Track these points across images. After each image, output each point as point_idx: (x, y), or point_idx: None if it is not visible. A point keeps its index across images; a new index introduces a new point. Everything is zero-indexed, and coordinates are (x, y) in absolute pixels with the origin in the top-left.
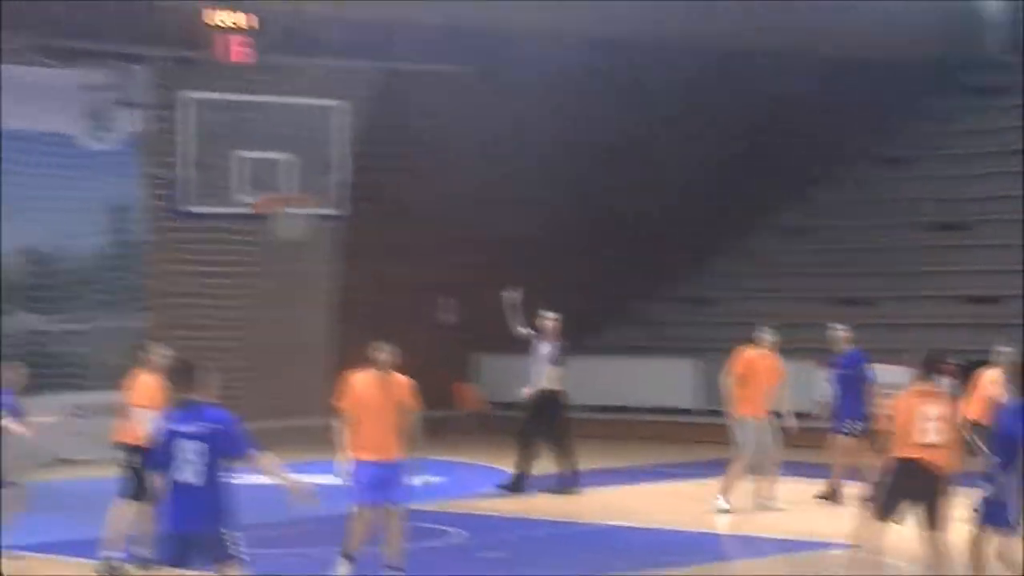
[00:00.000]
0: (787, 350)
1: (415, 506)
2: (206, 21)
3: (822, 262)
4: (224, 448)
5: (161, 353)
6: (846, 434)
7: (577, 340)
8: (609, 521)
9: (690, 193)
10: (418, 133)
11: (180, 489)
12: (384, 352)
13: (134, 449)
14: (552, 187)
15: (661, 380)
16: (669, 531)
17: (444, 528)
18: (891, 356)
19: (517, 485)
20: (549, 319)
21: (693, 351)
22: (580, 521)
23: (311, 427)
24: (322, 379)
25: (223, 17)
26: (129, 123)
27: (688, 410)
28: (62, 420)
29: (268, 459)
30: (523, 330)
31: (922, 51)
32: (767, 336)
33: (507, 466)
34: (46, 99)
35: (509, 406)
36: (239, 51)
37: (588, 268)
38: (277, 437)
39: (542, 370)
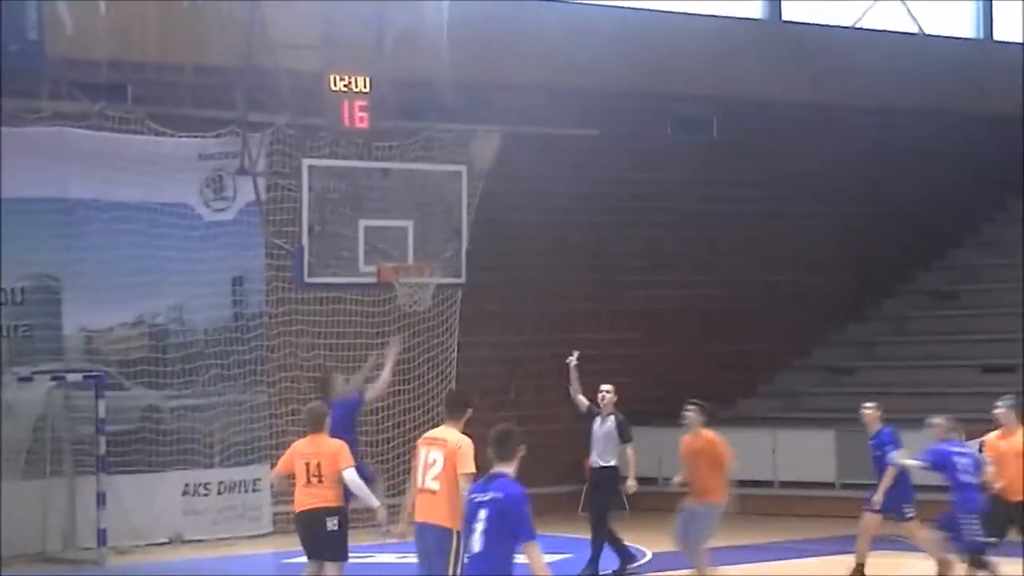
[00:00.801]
0: (805, 419)
1: None
2: (327, 87)
3: (964, 328)
4: (506, 523)
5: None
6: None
7: (714, 412)
8: None
9: (827, 258)
10: (539, 197)
11: (469, 556)
12: None
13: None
14: (682, 256)
15: (801, 452)
16: None
17: None
18: None
19: (624, 560)
20: (606, 392)
21: (832, 422)
22: None
23: None
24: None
25: (344, 82)
26: (249, 192)
27: (831, 484)
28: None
29: (534, 551)
30: (583, 400)
31: None
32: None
33: (640, 543)
34: (165, 169)
35: (640, 480)
36: (360, 116)
37: (724, 338)
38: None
39: (602, 446)
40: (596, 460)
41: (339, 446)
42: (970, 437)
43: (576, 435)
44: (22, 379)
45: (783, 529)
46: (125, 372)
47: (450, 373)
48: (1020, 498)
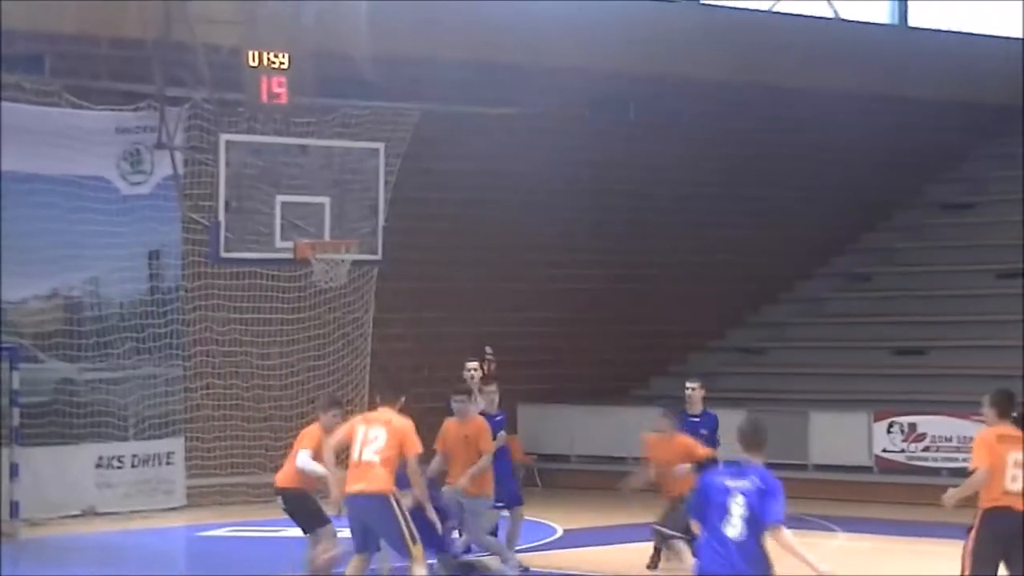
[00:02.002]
0: (840, 401)
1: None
2: (245, 62)
3: (876, 311)
4: (764, 508)
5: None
6: None
7: (625, 391)
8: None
9: (743, 240)
10: (456, 176)
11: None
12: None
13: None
14: (598, 235)
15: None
16: None
17: None
18: (943, 407)
19: None
20: (472, 370)
21: (744, 402)
22: None
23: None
24: None
25: (262, 58)
26: (166, 166)
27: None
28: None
29: (786, 534)
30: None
31: (987, 94)
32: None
33: (550, 519)
34: (83, 142)
35: (551, 457)
36: (278, 93)
37: (638, 318)
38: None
39: None
40: None
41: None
42: None
43: None
44: None
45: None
46: (40, 344)
47: (365, 349)
48: None
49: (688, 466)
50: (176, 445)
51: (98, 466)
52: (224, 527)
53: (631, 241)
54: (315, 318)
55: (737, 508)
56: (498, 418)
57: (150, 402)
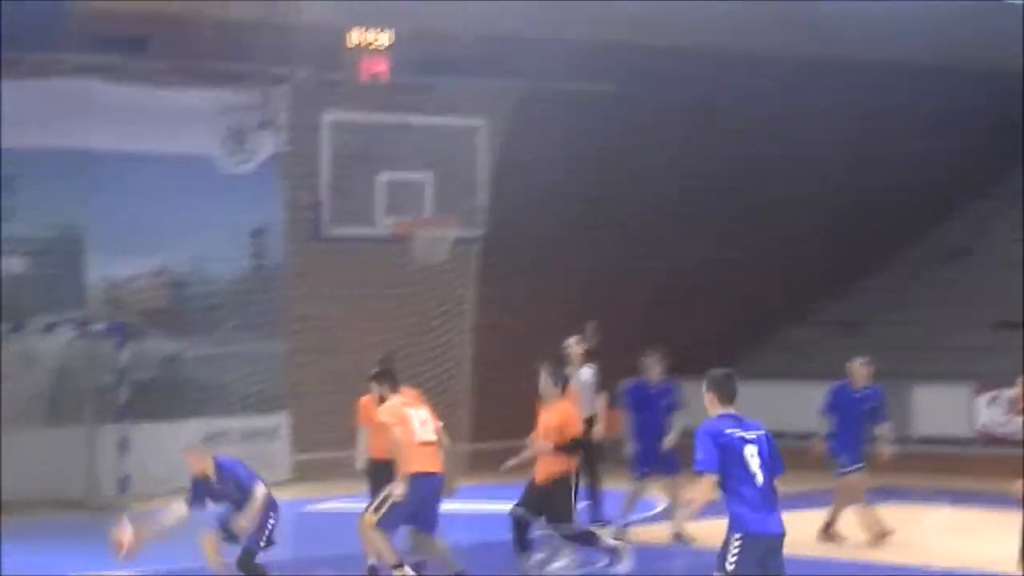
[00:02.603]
0: (941, 374)
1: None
2: (348, 41)
3: (976, 284)
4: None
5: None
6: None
7: (721, 365)
8: None
9: (840, 213)
10: (560, 153)
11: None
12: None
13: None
14: (698, 213)
15: (805, 406)
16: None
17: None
18: None
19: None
20: (572, 346)
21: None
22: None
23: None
24: (462, 404)
25: (365, 37)
26: (270, 145)
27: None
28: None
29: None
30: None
31: None
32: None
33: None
34: (187, 122)
35: None
36: (380, 71)
37: (733, 292)
38: None
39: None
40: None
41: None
42: None
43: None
44: (45, 328)
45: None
46: (146, 321)
47: (465, 326)
48: None
49: (550, 445)
50: (280, 420)
51: (204, 441)
52: (329, 501)
53: (728, 212)
54: (416, 295)
55: (755, 459)
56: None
57: (254, 378)
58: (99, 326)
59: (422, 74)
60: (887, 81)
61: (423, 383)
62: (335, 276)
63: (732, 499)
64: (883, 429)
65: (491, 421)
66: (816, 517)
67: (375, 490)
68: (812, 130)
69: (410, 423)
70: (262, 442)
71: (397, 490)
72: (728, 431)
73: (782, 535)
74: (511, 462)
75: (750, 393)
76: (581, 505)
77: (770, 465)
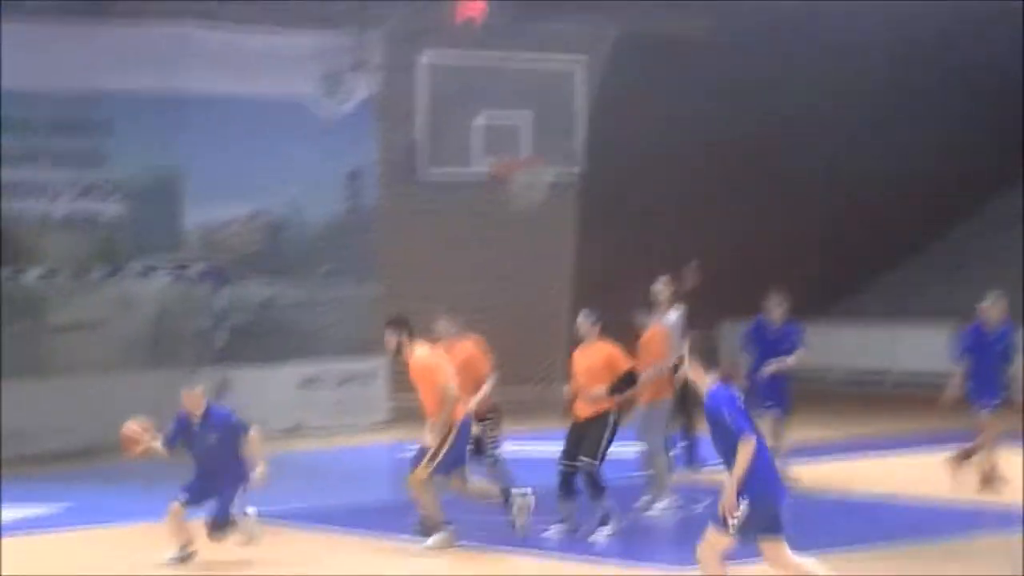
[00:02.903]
0: None
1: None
2: None
3: None
4: None
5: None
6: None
7: (832, 304)
8: (869, 491)
9: (949, 151)
10: (657, 93)
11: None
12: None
13: None
14: (800, 150)
15: (907, 347)
16: (926, 504)
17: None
18: None
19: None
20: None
21: (952, 315)
22: (827, 492)
23: (545, 396)
24: (558, 347)
25: None
26: (364, 87)
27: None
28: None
29: None
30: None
31: None
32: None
33: None
34: (282, 65)
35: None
36: (476, 11)
37: (843, 231)
38: (513, 408)
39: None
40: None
41: None
42: None
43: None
44: (142, 272)
45: (899, 421)
46: (242, 265)
47: (562, 268)
48: None
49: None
50: (378, 364)
51: (301, 385)
52: None
53: (827, 149)
54: (512, 237)
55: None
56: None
57: (350, 322)
58: (195, 270)
59: (518, 13)
60: None
61: (519, 325)
62: (431, 219)
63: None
64: (1015, 369)
65: None
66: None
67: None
68: (927, 62)
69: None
70: (358, 386)
71: (446, 437)
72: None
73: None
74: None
75: (853, 334)
76: (677, 448)
77: None
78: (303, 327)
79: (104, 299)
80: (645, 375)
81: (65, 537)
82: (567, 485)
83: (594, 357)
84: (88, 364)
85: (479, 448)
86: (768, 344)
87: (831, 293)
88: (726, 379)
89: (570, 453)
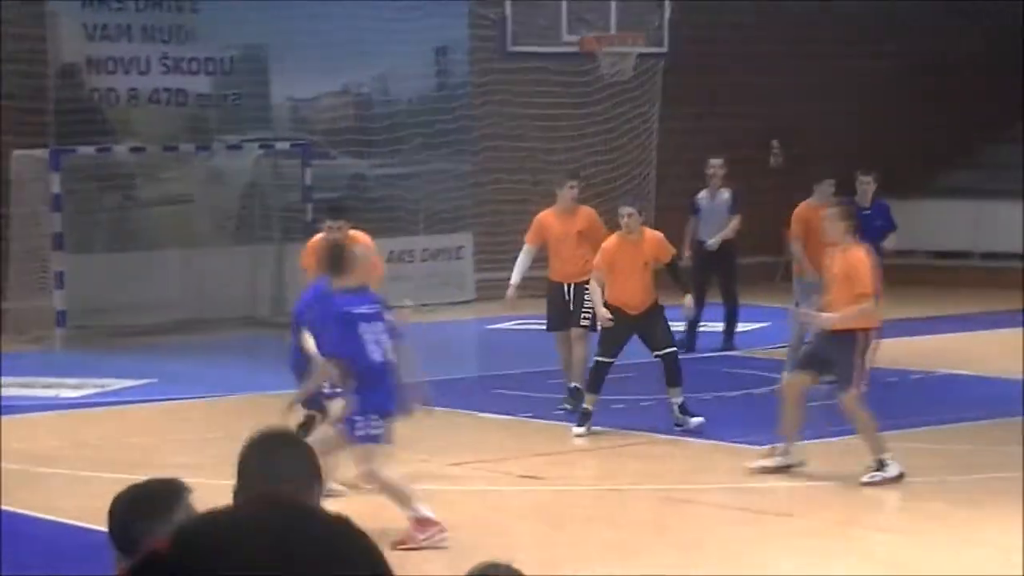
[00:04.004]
0: None
1: (739, 353)
2: None
3: None
4: None
5: None
6: None
7: (915, 183)
8: (945, 368)
9: None
10: None
11: None
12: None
13: None
14: (885, 21)
15: (996, 224)
16: (1008, 380)
17: (768, 375)
18: None
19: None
20: (716, 166)
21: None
22: (912, 368)
23: None
24: (647, 223)
25: None
26: None
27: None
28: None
29: None
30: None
31: None
32: None
33: None
34: None
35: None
36: None
37: (928, 109)
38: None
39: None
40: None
41: None
42: None
43: (779, 207)
44: (231, 147)
45: (982, 300)
46: (331, 140)
47: (650, 143)
48: None
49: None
50: (465, 240)
51: (389, 260)
52: (512, 320)
53: (922, 26)
54: (601, 112)
55: None
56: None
57: (440, 197)
58: (284, 145)
59: None
60: None
61: (608, 202)
62: (520, 93)
63: None
64: None
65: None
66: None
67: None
68: None
69: None
70: (446, 261)
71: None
72: None
73: None
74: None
75: (944, 209)
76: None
77: None
78: (392, 202)
79: (193, 174)
80: None
81: (157, 408)
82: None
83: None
84: (177, 239)
85: None
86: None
87: (930, 169)
88: None
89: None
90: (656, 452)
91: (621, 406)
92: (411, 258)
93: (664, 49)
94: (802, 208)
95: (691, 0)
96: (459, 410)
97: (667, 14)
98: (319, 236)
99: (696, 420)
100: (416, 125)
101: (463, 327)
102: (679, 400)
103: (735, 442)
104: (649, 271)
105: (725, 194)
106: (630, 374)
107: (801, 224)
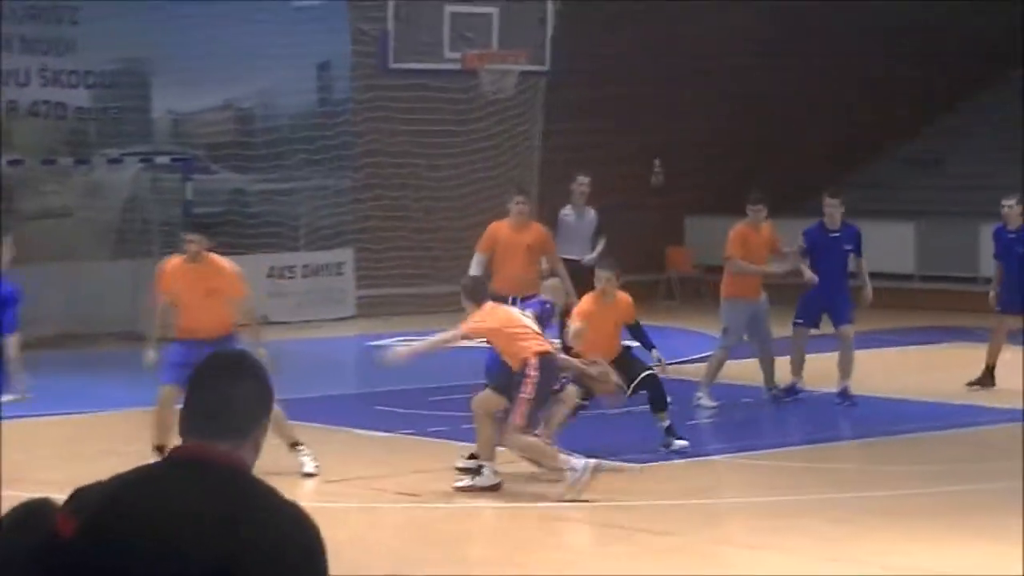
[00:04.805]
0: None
1: None
2: None
3: None
4: None
5: None
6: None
7: (799, 203)
8: (826, 387)
9: (917, 48)
10: None
11: None
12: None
13: None
14: (773, 41)
15: (881, 244)
16: (892, 399)
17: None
18: None
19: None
20: (583, 183)
21: (916, 214)
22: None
23: None
24: None
25: None
26: None
27: (909, 276)
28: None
29: None
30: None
31: None
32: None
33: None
34: None
35: (718, 269)
36: None
37: (808, 129)
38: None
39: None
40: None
41: None
42: None
43: (661, 225)
44: (111, 160)
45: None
46: (212, 155)
47: (533, 160)
48: None
49: None
50: (346, 256)
51: (270, 276)
52: (393, 337)
53: (807, 46)
54: (484, 129)
55: None
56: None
57: (321, 213)
58: (165, 159)
59: None
60: None
61: (489, 219)
62: (402, 110)
63: None
64: None
65: None
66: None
67: None
68: None
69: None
70: (327, 277)
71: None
72: None
73: None
74: None
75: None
76: None
77: None
78: (273, 218)
79: (73, 188)
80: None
81: (34, 423)
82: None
83: None
84: (57, 253)
85: None
86: (825, 248)
87: (815, 189)
88: None
89: None
90: (535, 469)
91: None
92: (292, 274)
93: (546, 67)
94: (739, 227)
95: (576, 19)
96: (337, 427)
97: (549, 32)
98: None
99: (681, 443)
100: (298, 140)
101: (343, 343)
102: (665, 423)
103: (612, 459)
104: (619, 329)
105: (591, 212)
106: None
107: (739, 242)
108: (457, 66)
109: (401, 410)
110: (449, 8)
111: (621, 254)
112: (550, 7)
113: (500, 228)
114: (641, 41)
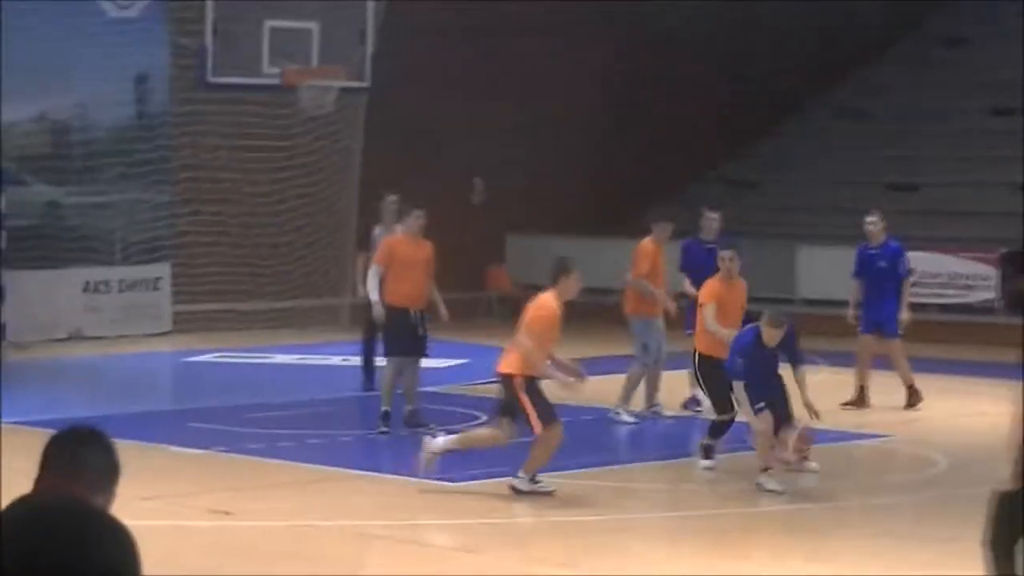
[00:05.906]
0: (834, 236)
1: (437, 389)
2: None
3: (871, 146)
4: None
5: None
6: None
7: (614, 223)
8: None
9: (736, 72)
10: (448, 6)
11: None
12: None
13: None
14: (586, 68)
15: None
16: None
17: (469, 412)
18: (933, 244)
19: None
20: (394, 202)
21: (732, 234)
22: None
23: (333, 306)
24: (345, 259)
25: None
26: None
27: None
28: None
29: None
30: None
31: None
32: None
33: None
34: None
35: (538, 288)
36: None
37: (625, 149)
38: (298, 317)
39: None
40: None
41: None
42: None
43: (481, 244)
44: None
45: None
46: (27, 167)
47: (351, 178)
48: None
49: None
50: (163, 271)
51: (85, 290)
52: (210, 353)
53: (627, 65)
54: (303, 145)
55: None
56: None
57: (137, 227)
58: None
59: None
60: None
61: (308, 235)
62: (220, 124)
63: None
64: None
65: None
66: None
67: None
68: None
69: None
70: (143, 292)
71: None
72: None
73: None
74: None
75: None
76: None
77: None
78: (88, 231)
79: None
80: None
81: None
82: None
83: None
84: None
85: None
86: (705, 262)
87: (632, 208)
88: None
89: None
90: (351, 488)
91: (316, 441)
92: (107, 289)
93: (366, 84)
94: (647, 244)
95: (398, 35)
96: (151, 443)
97: (369, 49)
98: None
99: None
100: (114, 154)
101: (160, 359)
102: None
103: (431, 479)
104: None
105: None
106: (329, 409)
107: (647, 260)
108: (277, 81)
109: (217, 427)
110: (269, 23)
111: (441, 272)
112: (370, 23)
113: (397, 243)
114: (463, 59)
